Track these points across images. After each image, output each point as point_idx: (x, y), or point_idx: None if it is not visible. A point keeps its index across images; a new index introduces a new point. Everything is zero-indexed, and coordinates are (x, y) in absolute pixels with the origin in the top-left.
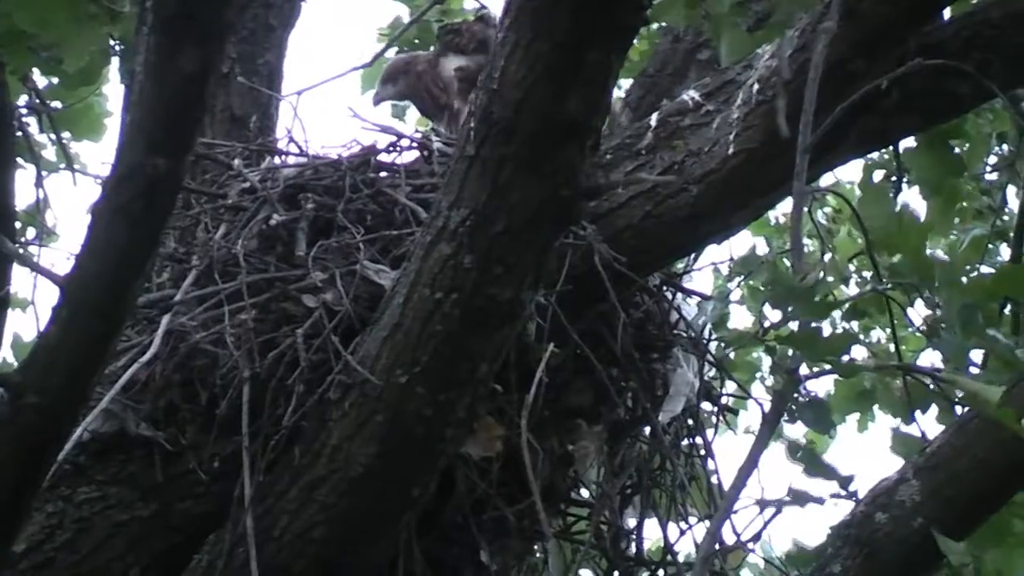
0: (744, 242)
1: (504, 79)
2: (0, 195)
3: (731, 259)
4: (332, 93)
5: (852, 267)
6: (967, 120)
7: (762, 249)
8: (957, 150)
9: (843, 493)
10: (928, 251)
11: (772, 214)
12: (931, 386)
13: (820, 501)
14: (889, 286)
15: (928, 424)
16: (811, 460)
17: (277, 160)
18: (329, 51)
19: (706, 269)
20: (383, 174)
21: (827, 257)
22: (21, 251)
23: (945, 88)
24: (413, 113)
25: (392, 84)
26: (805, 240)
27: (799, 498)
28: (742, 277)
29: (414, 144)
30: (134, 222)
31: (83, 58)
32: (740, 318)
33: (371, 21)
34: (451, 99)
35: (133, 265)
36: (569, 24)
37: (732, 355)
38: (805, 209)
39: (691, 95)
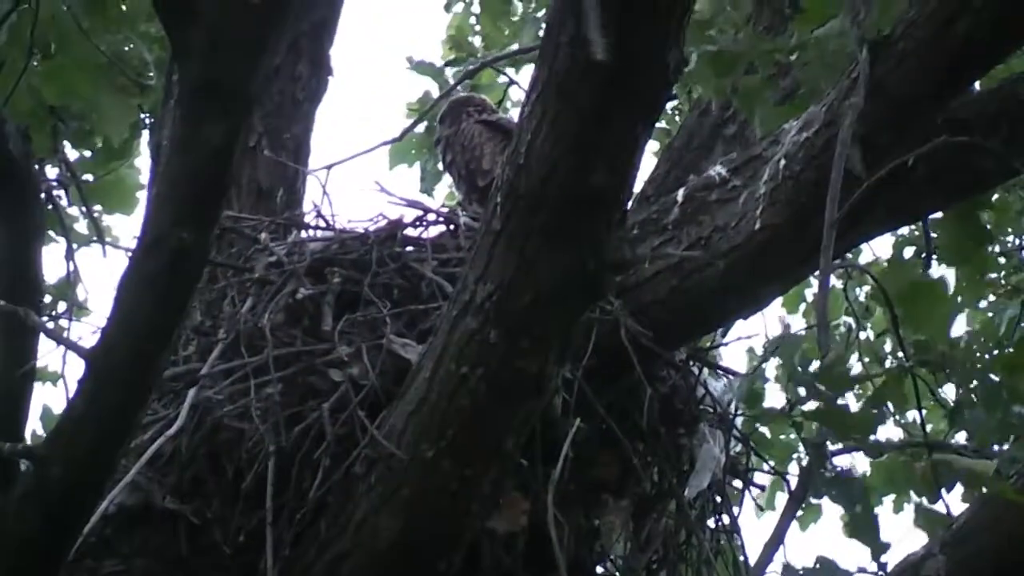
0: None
1: (530, 153)
2: (27, 268)
3: (766, 336)
4: (363, 168)
5: (887, 348)
6: (996, 193)
7: (797, 327)
8: (984, 221)
9: (872, 568)
10: (956, 326)
11: (809, 291)
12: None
13: (848, 574)
14: (914, 364)
15: (954, 502)
16: (859, 516)
17: (304, 234)
18: (358, 125)
19: (739, 347)
20: (409, 248)
21: (861, 336)
22: (49, 324)
23: (971, 163)
24: (442, 188)
25: (443, 124)
26: (843, 318)
27: (829, 570)
28: (776, 357)
29: (440, 218)
30: (160, 294)
31: (124, 131)
32: (775, 398)
33: (401, 96)
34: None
35: (159, 338)
36: (595, 98)
37: (768, 434)
38: (840, 286)
39: (718, 170)
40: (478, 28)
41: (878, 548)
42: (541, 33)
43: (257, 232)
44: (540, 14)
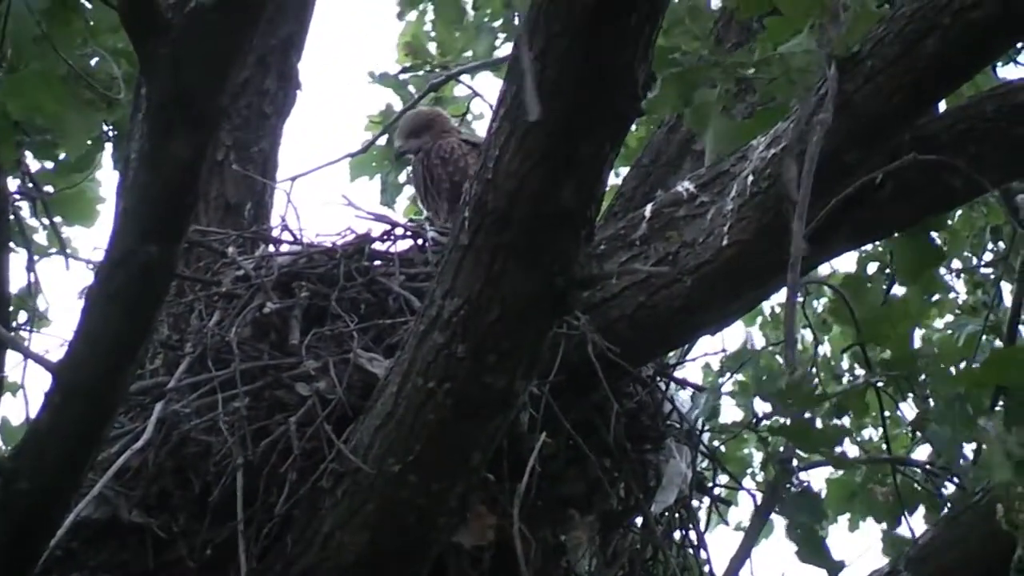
0: (737, 335)
1: (498, 169)
2: None
3: (723, 351)
4: (324, 180)
5: (844, 364)
6: (958, 212)
7: (756, 342)
8: (937, 241)
9: None
10: (918, 344)
11: (767, 305)
12: (921, 483)
13: None
14: (879, 379)
15: (916, 524)
16: (808, 540)
17: (271, 248)
18: (318, 137)
19: (698, 362)
20: (377, 263)
21: (820, 350)
22: (13, 336)
23: (939, 181)
24: (402, 201)
25: (416, 137)
26: (800, 332)
27: None
28: (733, 372)
29: (408, 233)
30: (127, 309)
31: (82, 145)
32: (731, 412)
33: (362, 109)
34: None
35: (126, 351)
36: (563, 113)
37: (723, 449)
38: (799, 302)
39: (685, 186)
40: (433, 35)
41: (833, 567)
42: (497, 43)
43: (225, 246)
44: (496, 24)
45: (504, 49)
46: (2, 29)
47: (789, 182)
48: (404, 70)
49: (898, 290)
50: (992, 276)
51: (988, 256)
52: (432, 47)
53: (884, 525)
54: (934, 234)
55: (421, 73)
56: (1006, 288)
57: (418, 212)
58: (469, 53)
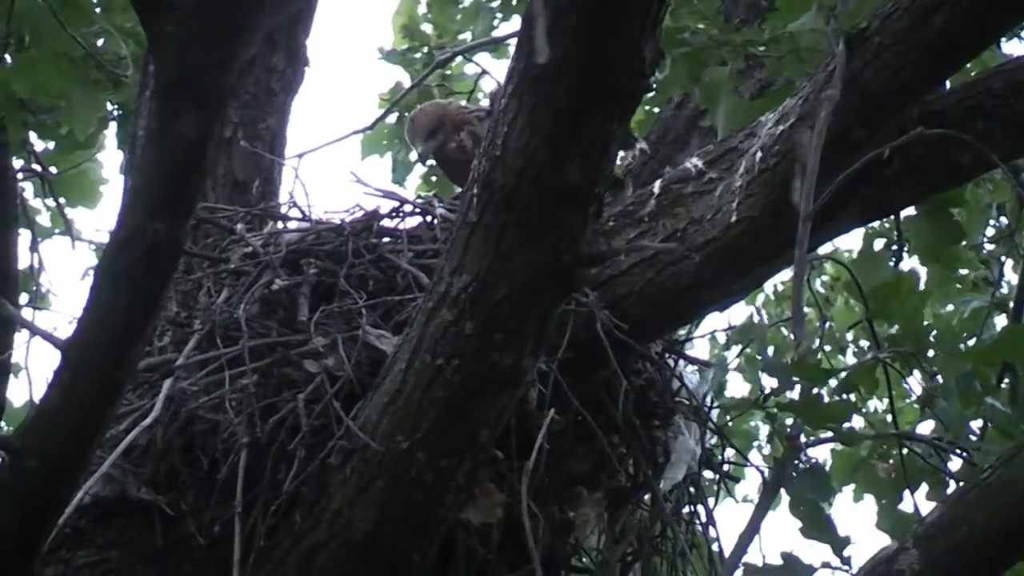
0: (743, 310)
1: (506, 146)
2: (1, 258)
3: (729, 327)
4: (333, 157)
5: (849, 337)
6: (967, 188)
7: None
8: (957, 217)
9: (836, 562)
10: (926, 320)
11: (770, 282)
12: (926, 459)
13: (811, 570)
14: (888, 355)
15: (920, 501)
16: (812, 516)
17: (279, 225)
18: (330, 116)
19: (705, 338)
20: (385, 239)
21: (825, 326)
22: (20, 314)
23: (946, 157)
24: (413, 179)
25: (433, 138)
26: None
27: (791, 566)
28: (741, 346)
29: (416, 209)
30: (135, 286)
31: (90, 125)
32: (738, 387)
33: (372, 86)
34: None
35: (134, 329)
36: (571, 91)
37: (730, 423)
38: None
39: (694, 163)
40: (429, 16)
41: (838, 543)
42: (495, 23)
43: (233, 223)
44: (494, 3)
45: (502, 29)
46: (10, 6)
47: (803, 147)
48: (403, 52)
49: (906, 265)
50: (996, 253)
51: (990, 232)
52: (428, 28)
53: (883, 501)
54: (952, 210)
55: (419, 56)
56: (1007, 264)
57: (428, 189)
58: (468, 35)
